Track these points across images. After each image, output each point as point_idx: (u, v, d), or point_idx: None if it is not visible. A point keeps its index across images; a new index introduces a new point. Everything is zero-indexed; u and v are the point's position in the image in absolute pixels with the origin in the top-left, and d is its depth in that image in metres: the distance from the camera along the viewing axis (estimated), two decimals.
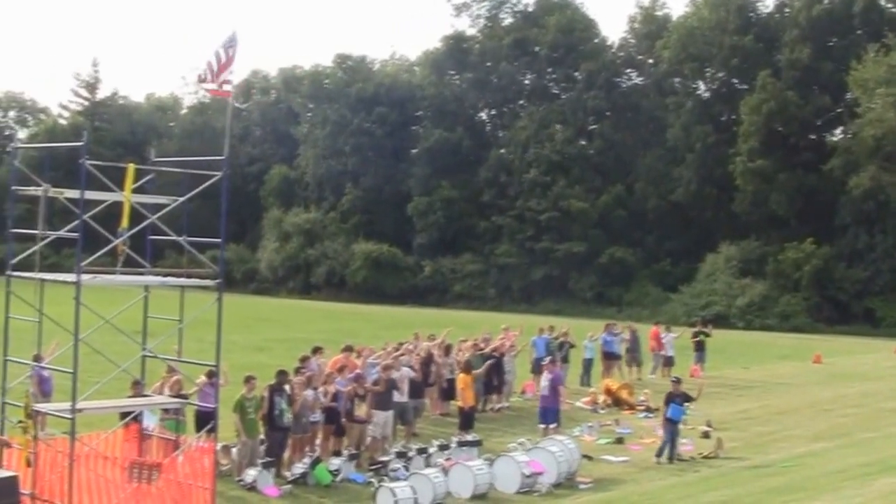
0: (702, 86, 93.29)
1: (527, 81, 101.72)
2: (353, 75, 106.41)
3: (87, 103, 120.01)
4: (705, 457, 25.05)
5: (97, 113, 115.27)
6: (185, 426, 20.27)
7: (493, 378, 30.39)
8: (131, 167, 16.49)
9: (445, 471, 21.11)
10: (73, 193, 16.28)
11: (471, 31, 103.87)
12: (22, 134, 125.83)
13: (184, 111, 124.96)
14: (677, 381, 26.21)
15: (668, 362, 38.20)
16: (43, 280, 16.31)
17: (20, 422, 16.34)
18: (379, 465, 22.19)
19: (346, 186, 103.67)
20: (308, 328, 56.27)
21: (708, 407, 30.56)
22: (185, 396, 20.24)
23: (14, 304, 16.68)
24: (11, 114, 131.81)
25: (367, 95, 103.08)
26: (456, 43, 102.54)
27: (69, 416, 15.85)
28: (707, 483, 22.33)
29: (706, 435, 27.27)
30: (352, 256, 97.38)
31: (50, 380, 21.57)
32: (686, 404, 25.49)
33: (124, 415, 18.54)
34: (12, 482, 15.32)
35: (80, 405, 15.96)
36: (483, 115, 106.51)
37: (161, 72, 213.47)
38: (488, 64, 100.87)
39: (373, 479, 21.23)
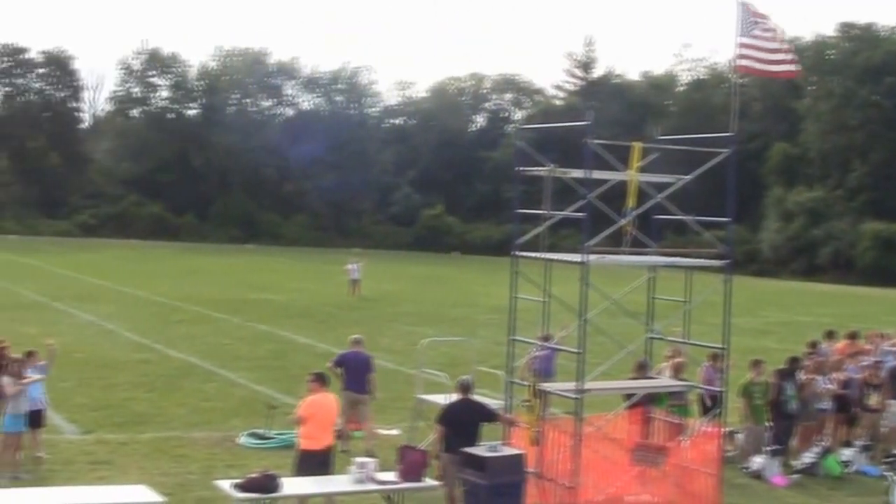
0: None
1: None
2: (859, 45, 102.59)
3: (582, 83, 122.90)
4: None
5: (592, 92, 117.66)
6: (692, 410, 20.29)
7: None
8: (637, 146, 16.64)
9: None
10: (578, 173, 16.64)
11: None
12: (518, 115, 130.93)
13: (680, 88, 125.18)
14: None
15: None
16: (549, 260, 16.75)
17: (526, 401, 16.90)
18: (894, 458, 21.28)
19: (852, 163, 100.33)
20: (813, 312, 55.06)
21: None
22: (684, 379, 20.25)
23: (519, 284, 17.27)
24: (507, 96, 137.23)
25: (875, 65, 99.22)
26: None
27: (575, 396, 16.24)
28: None
29: None
30: (859, 237, 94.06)
31: (544, 360, 21.84)
32: None
33: (628, 396, 18.79)
34: (519, 460, 15.88)
35: (585, 386, 16.31)
36: None
37: (657, 49, 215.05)
38: None
39: (887, 473, 20.42)
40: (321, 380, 16.64)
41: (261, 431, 21.29)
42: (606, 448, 17.09)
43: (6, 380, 17.96)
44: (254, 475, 14.66)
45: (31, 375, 18.47)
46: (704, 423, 18.36)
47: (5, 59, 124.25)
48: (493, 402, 18.22)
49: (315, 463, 15.88)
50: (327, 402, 16.47)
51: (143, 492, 14.67)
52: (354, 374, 20.77)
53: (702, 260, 17.99)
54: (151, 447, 20.41)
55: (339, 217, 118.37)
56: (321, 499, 16.21)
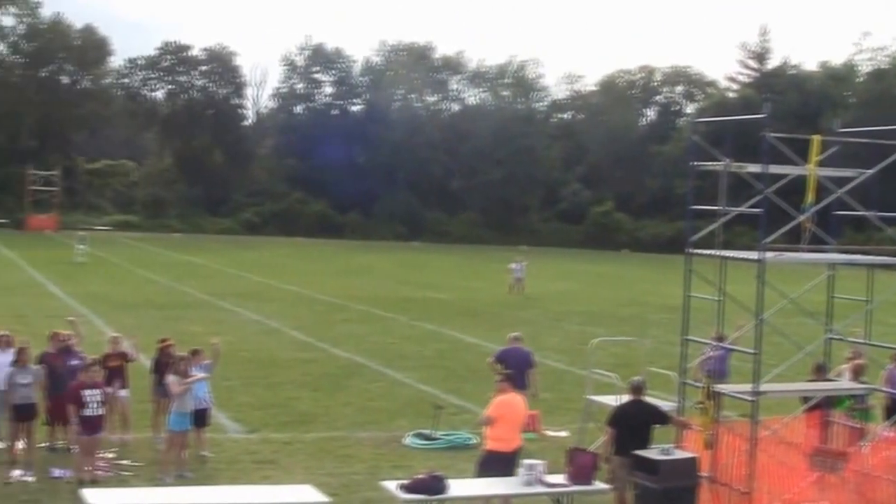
0: None
1: None
2: None
3: (756, 74, 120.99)
4: None
5: (767, 84, 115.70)
6: (874, 414, 19.82)
7: None
8: (816, 139, 16.34)
9: None
10: (754, 168, 16.43)
11: None
12: (689, 108, 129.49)
13: (860, 79, 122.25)
14: None
15: None
16: (724, 258, 16.57)
17: (699, 403, 16.75)
18: None
19: None
20: None
21: None
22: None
23: (692, 282, 17.12)
24: (679, 88, 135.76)
25: None
26: None
27: (750, 398, 16.05)
28: None
29: None
30: None
31: (718, 360, 21.52)
32: None
33: (805, 399, 18.48)
34: (692, 463, 15.77)
35: (762, 388, 16.10)
36: None
37: (835, 38, 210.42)
38: None
39: None
40: (511, 380, 16.74)
41: (427, 432, 21.49)
42: (783, 453, 16.83)
43: (171, 378, 18.42)
44: (420, 476, 14.82)
45: (197, 374, 18.93)
46: (887, 428, 17.97)
47: (168, 56, 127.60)
48: (665, 403, 18.13)
49: (502, 464, 15.93)
50: (517, 403, 16.58)
51: (309, 492, 14.94)
52: (515, 370, 20.93)
53: (884, 257, 17.62)
54: (316, 447, 20.77)
55: (505, 214, 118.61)
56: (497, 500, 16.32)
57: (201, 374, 19.09)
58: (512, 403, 16.40)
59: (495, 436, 16.26)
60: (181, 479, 17.83)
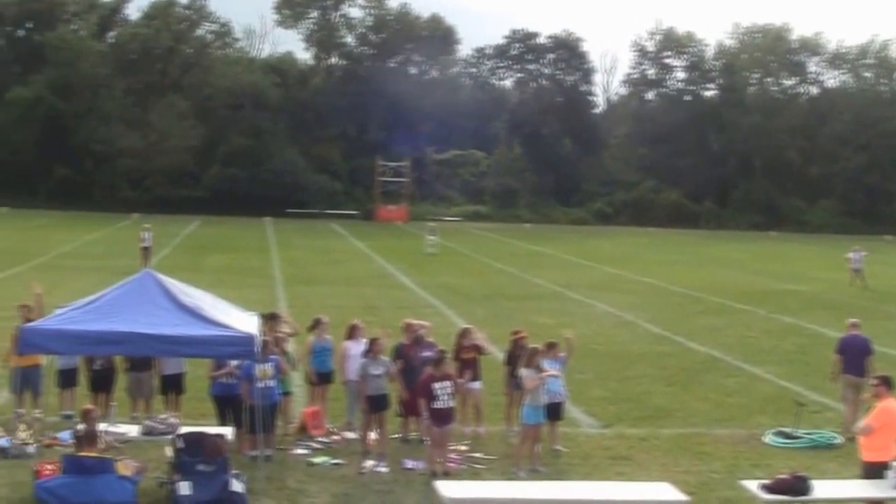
0: None
1: None
2: None
3: None
4: None
5: None
6: None
7: None
8: None
9: None
10: None
11: None
12: None
13: None
14: None
15: None
16: None
17: None
18: None
19: None
20: None
21: None
22: None
23: None
24: None
25: None
26: None
27: None
28: None
29: None
30: None
31: None
32: None
33: None
34: None
35: None
36: None
37: None
38: None
39: None
40: (888, 384, 16.09)
41: (788, 430, 21.11)
42: None
43: (525, 372, 18.63)
44: (783, 476, 14.62)
45: (550, 368, 19.08)
46: None
47: (516, 45, 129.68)
48: None
49: (880, 473, 15.40)
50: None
51: (667, 490, 14.95)
52: (853, 357, 21.48)
53: None
54: (672, 443, 20.70)
55: (868, 202, 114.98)
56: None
57: (555, 371, 19.20)
58: (892, 411, 15.78)
59: (874, 445, 15.67)
60: (534, 474, 18.12)
